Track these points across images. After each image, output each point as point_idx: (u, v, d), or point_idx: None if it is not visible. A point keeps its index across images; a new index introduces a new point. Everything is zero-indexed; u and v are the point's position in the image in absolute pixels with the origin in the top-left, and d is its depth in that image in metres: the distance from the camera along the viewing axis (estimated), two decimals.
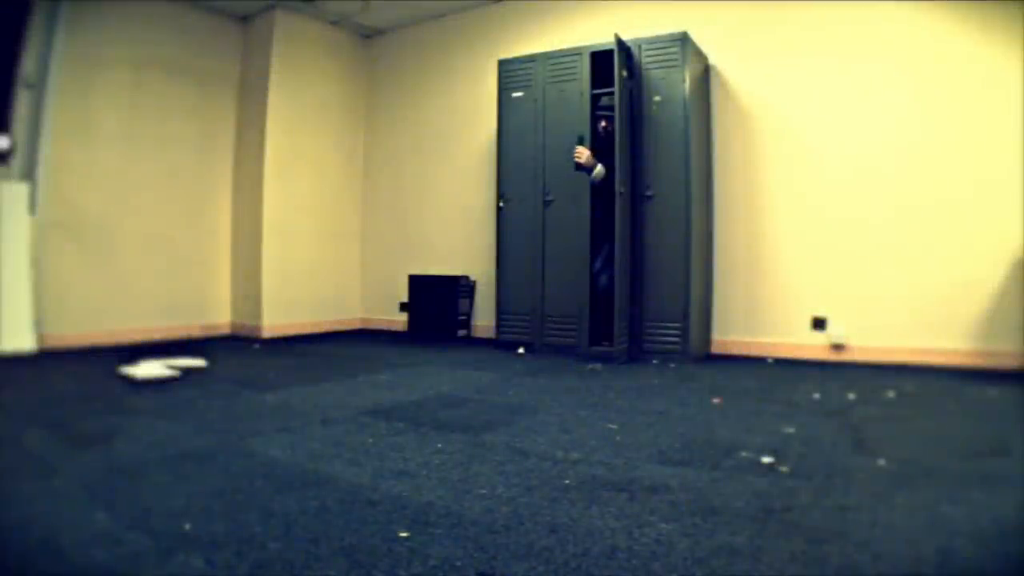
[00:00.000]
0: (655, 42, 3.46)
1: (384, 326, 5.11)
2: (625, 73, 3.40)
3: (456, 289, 4.46)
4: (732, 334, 3.66)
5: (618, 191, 3.27)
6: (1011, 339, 2.96)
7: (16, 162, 3.64)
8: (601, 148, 3.52)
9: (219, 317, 4.68)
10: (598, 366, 3.18)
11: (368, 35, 5.29)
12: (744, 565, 1.06)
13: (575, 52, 3.68)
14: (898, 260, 3.25)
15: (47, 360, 3.31)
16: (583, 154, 3.46)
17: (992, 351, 3.00)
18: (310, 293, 4.86)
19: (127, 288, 4.12)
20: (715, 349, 3.68)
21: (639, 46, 3.49)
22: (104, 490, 1.42)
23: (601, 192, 3.45)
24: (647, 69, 3.46)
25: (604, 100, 3.56)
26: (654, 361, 3.31)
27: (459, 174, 4.75)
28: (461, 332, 4.48)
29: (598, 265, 3.56)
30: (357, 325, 5.24)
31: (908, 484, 1.45)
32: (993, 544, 1.14)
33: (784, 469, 1.57)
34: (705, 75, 3.65)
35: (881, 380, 2.75)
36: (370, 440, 1.85)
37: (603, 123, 3.58)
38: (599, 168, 3.47)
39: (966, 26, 3.09)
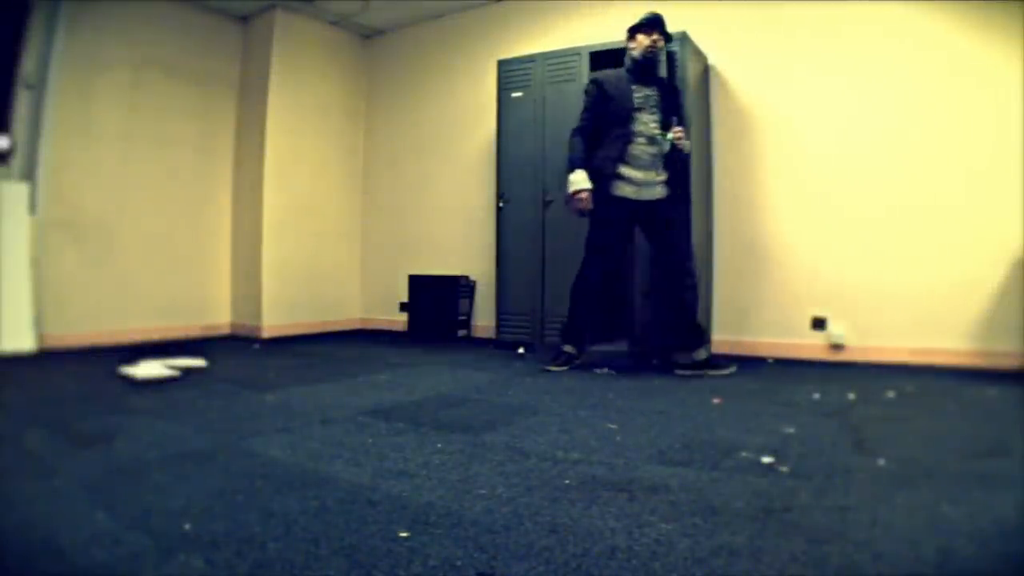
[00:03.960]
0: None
1: (384, 326, 5.11)
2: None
3: (456, 289, 4.46)
4: (732, 334, 3.66)
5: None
6: (1011, 339, 2.96)
7: (16, 162, 3.64)
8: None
9: (219, 317, 4.68)
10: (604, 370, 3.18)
11: (368, 35, 5.30)
12: (744, 565, 1.06)
13: (574, 52, 3.69)
14: (898, 260, 3.25)
15: (47, 360, 3.31)
16: (682, 135, 2.95)
17: (992, 351, 3.00)
18: (310, 293, 4.86)
19: (127, 288, 4.12)
20: (715, 349, 3.67)
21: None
22: (104, 490, 1.42)
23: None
24: None
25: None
26: (654, 361, 3.30)
27: (459, 174, 4.75)
28: (461, 332, 4.48)
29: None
30: (357, 325, 5.24)
31: (908, 484, 1.45)
32: (993, 544, 1.14)
33: (784, 469, 1.57)
34: (704, 75, 3.65)
35: (881, 380, 2.75)
36: (370, 440, 1.85)
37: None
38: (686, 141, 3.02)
39: (966, 25, 3.09)
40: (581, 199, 2.89)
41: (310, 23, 4.84)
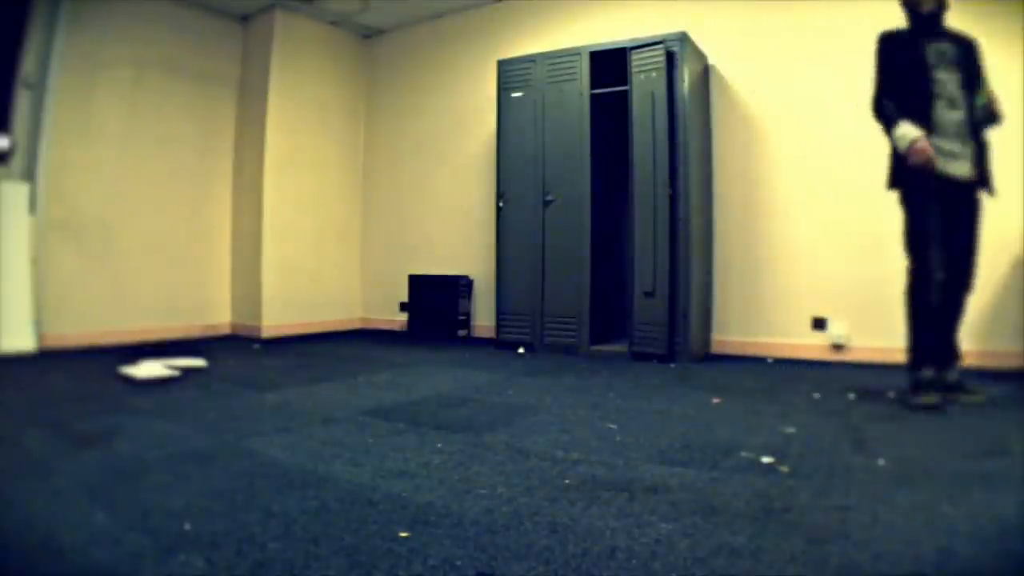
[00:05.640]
0: (652, 42, 3.47)
1: (384, 326, 5.11)
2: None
3: (456, 289, 4.46)
4: (732, 334, 3.66)
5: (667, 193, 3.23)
6: (1011, 339, 2.96)
7: (16, 162, 3.64)
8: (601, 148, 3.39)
9: (219, 317, 4.68)
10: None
11: (368, 35, 5.29)
12: (744, 565, 1.06)
13: (574, 52, 3.69)
14: (898, 260, 3.24)
15: (47, 360, 3.31)
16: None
17: (992, 351, 3.00)
18: (310, 293, 4.86)
19: (127, 288, 4.12)
20: (715, 349, 3.68)
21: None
22: (104, 490, 1.42)
23: None
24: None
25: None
26: (654, 361, 3.30)
27: (459, 174, 4.75)
28: (461, 332, 4.48)
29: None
30: (357, 325, 5.24)
31: (908, 484, 1.45)
32: (993, 544, 1.14)
33: (784, 469, 1.57)
34: (704, 75, 3.64)
35: (881, 380, 2.75)
36: (370, 440, 1.85)
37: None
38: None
39: (966, 26, 3.09)
40: (921, 148, 2.32)
41: (310, 23, 4.84)
